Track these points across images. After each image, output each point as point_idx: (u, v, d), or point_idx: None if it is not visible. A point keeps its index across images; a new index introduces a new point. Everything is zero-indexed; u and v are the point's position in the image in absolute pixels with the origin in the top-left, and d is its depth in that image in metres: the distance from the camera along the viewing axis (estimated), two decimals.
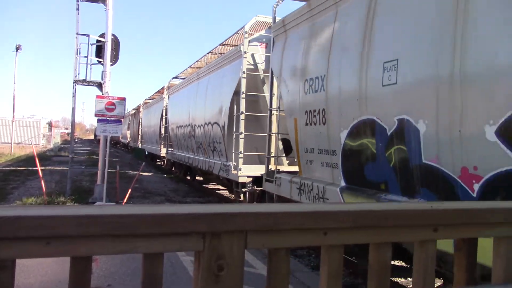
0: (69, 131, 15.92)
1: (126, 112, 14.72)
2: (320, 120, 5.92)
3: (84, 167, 20.80)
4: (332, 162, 5.80)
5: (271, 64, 7.97)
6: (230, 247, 1.24)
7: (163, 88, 20.46)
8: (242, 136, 9.31)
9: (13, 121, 34.31)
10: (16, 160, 25.49)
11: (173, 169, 19.30)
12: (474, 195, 3.64)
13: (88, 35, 11.71)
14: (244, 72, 9.28)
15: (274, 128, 8.04)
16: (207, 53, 13.33)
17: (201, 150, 12.94)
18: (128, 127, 38.10)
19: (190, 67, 15.92)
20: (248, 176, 9.25)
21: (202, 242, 1.22)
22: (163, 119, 19.21)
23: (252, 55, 9.42)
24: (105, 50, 11.53)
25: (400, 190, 4.51)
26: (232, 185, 10.42)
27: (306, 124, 6.31)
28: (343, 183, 5.54)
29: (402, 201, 4.38)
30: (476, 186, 3.64)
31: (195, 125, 13.29)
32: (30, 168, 19.10)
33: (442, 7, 3.90)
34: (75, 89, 11.68)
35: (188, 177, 16.93)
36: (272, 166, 7.88)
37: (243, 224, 1.26)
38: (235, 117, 9.69)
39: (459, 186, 3.78)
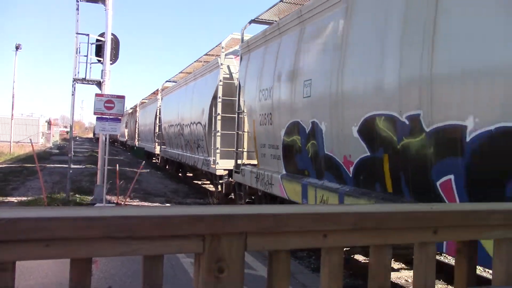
0: (68, 129, 15.87)
1: (125, 111, 15.00)
2: (268, 121, 7.72)
3: (83, 167, 20.79)
4: (276, 154, 7.54)
5: (239, 75, 9.71)
6: (230, 249, 1.24)
7: (157, 90, 22.13)
8: (218, 134, 11.03)
9: (12, 120, 34.24)
10: (15, 159, 25.45)
11: (167, 167, 20.50)
12: (351, 175, 5.42)
13: (87, 35, 11.70)
14: (220, 81, 11.19)
15: (245, 128, 9.70)
16: (194, 62, 15.68)
17: (188, 147, 14.62)
18: (126, 126, 38.27)
19: (181, 72, 18.21)
20: (224, 169, 10.83)
21: (202, 244, 1.22)
22: (157, 119, 20.68)
23: (228, 66, 11.37)
24: (104, 49, 11.53)
25: (315, 174, 6.30)
26: (213, 177, 11.91)
27: (261, 124, 8.06)
28: (283, 171, 7.27)
29: (401, 203, 4.41)
30: (351, 169, 5.40)
31: (183, 124, 14.94)
32: (29, 168, 19.09)
33: (334, 46, 5.73)
34: (75, 87, 11.65)
35: (180, 174, 18.35)
36: (241, 161, 9.39)
37: (243, 226, 1.26)
38: (213, 117, 11.39)
39: (343, 169, 5.58)
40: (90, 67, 11.76)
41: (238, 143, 9.51)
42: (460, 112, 3.75)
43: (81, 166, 20.86)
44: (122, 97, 10.57)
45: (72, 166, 12.50)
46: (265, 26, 8.62)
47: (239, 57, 9.92)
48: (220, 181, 11.23)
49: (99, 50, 11.83)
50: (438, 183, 4.06)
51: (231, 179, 10.21)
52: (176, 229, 1.17)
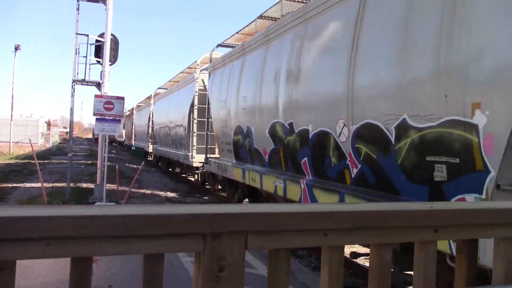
0: (68, 130, 15.98)
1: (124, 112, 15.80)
2: (224, 125, 10.19)
3: (83, 166, 20.79)
4: (230, 149, 10.02)
5: (208, 89, 12.19)
6: (231, 248, 1.24)
7: (150, 95, 25.68)
8: (195, 134, 14.00)
9: (11, 120, 34.28)
10: (15, 159, 25.46)
11: (159, 164, 23.29)
12: (266, 160, 7.89)
13: (87, 35, 11.68)
14: (196, 92, 13.96)
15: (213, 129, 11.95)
16: (179, 73, 18.89)
17: (174, 145, 17.52)
18: (124, 127, 38.81)
19: (169, 81, 21.35)
20: (199, 162, 13.48)
21: (202, 243, 1.22)
22: (150, 121, 23.75)
23: (202, 80, 13.98)
24: (104, 50, 11.51)
25: (250, 162, 8.86)
26: (192, 169, 15.25)
27: (221, 127, 10.60)
28: (234, 161, 9.88)
29: (402, 202, 4.42)
30: (266, 157, 7.89)
31: (170, 126, 18.07)
32: (29, 168, 19.08)
33: (257, 75, 8.19)
34: (74, 88, 11.64)
35: (170, 169, 21.26)
36: (210, 154, 12.20)
37: (244, 225, 1.26)
38: (191, 121, 14.24)
39: (263, 157, 8.07)
40: (90, 68, 11.77)
41: (208, 141, 12.28)
42: (306, 121, 6.29)
43: (80, 166, 20.86)
44: (122, 98, 10.57)
45: (72, 166, 12.50)
46: (229, 49, 11.09)
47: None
48: (196, 171, 14.81)
49: (99, 51, 11.82)
50: (301, 162, 6.58)
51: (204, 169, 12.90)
52: (176, 227, 1.17)
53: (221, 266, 1.23)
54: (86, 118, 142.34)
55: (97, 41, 11.79)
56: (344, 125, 5.39)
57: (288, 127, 6.81)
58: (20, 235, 1.03)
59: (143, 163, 15.59)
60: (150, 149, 23.54)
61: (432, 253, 1.55)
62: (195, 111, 13.82)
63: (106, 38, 11.49)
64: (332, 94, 5.65)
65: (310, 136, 6.14)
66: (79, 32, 11.59)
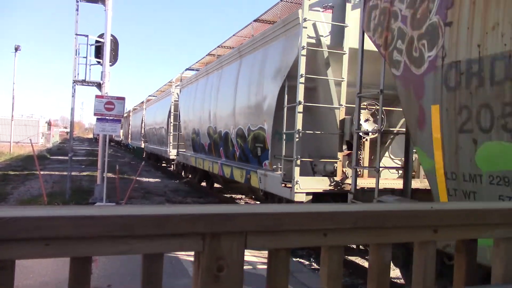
0: (68, 130, 16.07)
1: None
2: (187, 127, 14.51)
3: (83, 166, 20.80)
4: (190, 144, 14.29)
5: (179, 101, 16.20)
6: (230, 248, 1.24)
7: (143, 102, 29.30)
8: (171, 134, 18.05)
9: (12, 120, 34.31)
10: (15, 159, 25.45)
11: (149, 159, 27.23)
12: (207, 150, 12.44)
13: (87, 36, 11.67)
14: (172, 102, 18.00)
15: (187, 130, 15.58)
16: (164, 85, 22.55)
17: (159, 143, 21.41)
18: (122, 127, 39.36)
19: (157, 90, 25.71)
20: (174, 155, 17.06)
21: (201, 242, 1.22)
22: (143, 123, 27.90)
23: (177, 93, 17.48)
24: (104, 50, 11.51)
25: (200, 152, 13.17)
26: (170, 161, 19.53)
27: (184, 128, 14.96)
28: (192, 152, 14.15)
29: (401, 202, 4.43)
30: (206, 149, 12.50)
31: (156, 127, 22.25)
32: (29, 168, 19.09)
33: (203, 95, 12.62)
34: (75, 89, 11.65)
35: (158, 164, 25.03)
36: (180, 150, 16.00)
37: (243, 225, 1.26)
38: (170, 124, 18.30)
39: (205, 149, 12.57)
40: (90, 69, 11.76)
41: (179, 139, 16.02)
42: (220, 126, 10.66)
43: (81, 166, 20.87)
44: (122, 99, 10.57)
45: (72, 166, 12.50)
46: (195, 71, 15.07)
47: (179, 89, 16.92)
48: (173, 162, 19.05)
49: (99, 52, 11.81)
50: (219, 150, 10.98)
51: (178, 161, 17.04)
52: (176, 227, 1.17)
53: (220, 266, 1.24)
54: (86, 118, 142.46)
55: (97, 41, 11.79)
56: (233, 128, 9.82)
57: (214, 129, 11.34)
58: (20, 235, 1.03)
59: (143, 163, 15.64)
60: (143, 146, 28.16)
61: (432, 254, 1.55)
62: (172, 117, 17.84)
63: (106, 38, 11.49)
64: (229, 110, 10.03)
65: (222, 135, 10.63)
66: (78, 33, 11.60)
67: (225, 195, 13.71)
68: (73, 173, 13.17)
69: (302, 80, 6.54)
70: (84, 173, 17.59)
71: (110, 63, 11.69)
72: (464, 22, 3.72)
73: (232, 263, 1.25)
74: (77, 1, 11.51)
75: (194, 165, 13.62)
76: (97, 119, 10.32)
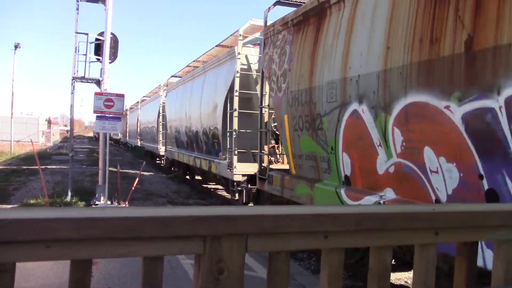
0: (68, 128, 16.11)
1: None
2: (171, 126, 17.29)
3: (84, 166, 20.80)
4: (175, 141, 17.03)
5: (165, 105, 18.79)
6: (231, 250, 1.24)
7: (138, 102, 31.73)
8: (160, 133, 20.53)
9: (11, 118, 34.21)
10: (16, 159, 25.45)
11: (145, 155, 29.40)
12: (185, 146, 15.43)
13: (87, 34, 11.67)
14: (161, 104, 20.63)
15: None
16: (153, 89, 25.89)
17: (152, 140, 23.95)
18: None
19: (150, 92, 28.08)
20: (163, 151, 19.91)
21: (202, 245, 1.21)
22: (138, 122, 30.44)
23: (164, 96, 19.82)
24: (104, 48, 11.51)
25: (182, 148, 16.16)
26: (160, 157, 22.35)
27: (169, 127, 17.58)
28: (176, 147, 17.15)
29: (402, 204, 4.42)
30: (185, 144, 15.44)
31: (149, 126, 24.88)
32: (31, 168, 19.09)
33: (182, 99, 15.47)
34: (74, 86, 11.64)
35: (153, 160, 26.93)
36: (168, 146, 18.88)
37: (244, 227, 1.25)
38: (159, 123, 20.74)
39: (184, 145, 15.65)
40: (89, 66, 11.76)
41: (166, 137, 18.77)
42: (193, 125, 13.64)
43: (82, 166, 20.88)
44: (122, 96, 10.52)
45: (73, 166, 12.49)
46: (179, 78, 17.97)
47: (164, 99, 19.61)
48: (162, 158, 21.92)
49: (98, 49, 11.81)
50: (193, 145, 14.18)
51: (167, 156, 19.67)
52: (177, 230, 1.17)
53: (221, 269, 1.23)
54: (86, 116, 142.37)
55: (96, 39, 11.79)
56: (200, 127, 12.64)
57: (189, 128, 14.05)
58: (21, 238, 1.03)
59: (144, 163, 15.61)
60: (139, 144, 30.44)
61: (433, 256, 1.54)
62: (161, 117, 20.07)
63: (106, 37, 11.48)
64: (197, 113, 12.94)
65: (194, 133, 13.44)
66: (79, 31, 11.60)
67: (204, 185, 15.89)
68: (74, 173, 13.15)
69: (237, 94, 9.62)
70: (86, 174, 17.58)
71: (110, 61, 11.68)
72: (294, 70, 6.61)
73: (233, 265, 1.25)
74: (78, 1, 11.51)
75: (177, 159, 16.51)
76: (97, 116, 10.26)
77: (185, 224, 1.17)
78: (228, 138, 9.98)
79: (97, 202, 10.49)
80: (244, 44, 10.03)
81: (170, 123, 17.27)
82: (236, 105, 9.53)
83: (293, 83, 6.54)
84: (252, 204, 9.48)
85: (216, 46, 13.08)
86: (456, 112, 3.68)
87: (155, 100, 22.89)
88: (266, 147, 8.26)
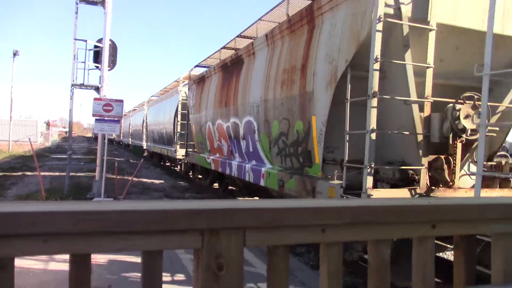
0: (67, 129, 16.15)
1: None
2: (151, 130, 24.81)
3: (82, 163, 20.78)
4: (158, 138, 22.87)
5: (147, 113, 25.62)
6: (229, 245, 1.24)
7: (129, 111, 37.96)
8: (144, 133, 26.07)
9: (10, 120, 34.46)
10: (14, 157, 25.44)
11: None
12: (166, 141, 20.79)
13: (85, 41, 11.64)
14: (144, 115, 26.52)
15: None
16: (139, 104, 31.38)
17: (138, 139, 29.49)
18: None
19: (145, 100, 30.62)
20: (145, 146, 26.55)
21: (200, 239, 1.21)
22: (130, 125, 35.35)
23: (146, 109, 26.42)
24: (102, 55, 11.51)
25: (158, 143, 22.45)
26: (144, 150, 27.88)
27: (148, 129, 26.34)
28: (151, 142, 24.67)
29: (400, 198, 4.42)
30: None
31: (136, 129, 30.70)
32: (28, 165, 19.06)
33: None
34: (73, 92, 11.67)
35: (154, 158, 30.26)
36: (148, 142, 25.03)
37: (242, 221, 1.25)
38: (145, 125, 25.69)
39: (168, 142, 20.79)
40: (88, 73, 11.81)
41: (147, 136, 24.39)
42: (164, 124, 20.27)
43: (80, 163, 20.87)
44: (121, 101, 10.67)
45: (70, 163, 12.48)
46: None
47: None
48: (145, 151, 27.07)
49: (97, 56, 11.82)
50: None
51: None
52: (175, 223, 1.17)
53: (220, 264, 1.23)
54: (85, 119, 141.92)
55: (95, 46, 11.78)
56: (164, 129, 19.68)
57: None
58: (18, 231, 1.03)
59: (142, 160, 15.66)
60: (130, 142, 35.51)
61: (430, 249, 1.55)
62: (179, 115, 20.33)
63: (104, 43, 11.47)
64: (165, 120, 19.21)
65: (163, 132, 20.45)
66: (78, 37, 11.60)
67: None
68: (71, 170, 13.14)
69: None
70: (83, 170, 17.55)
71: (109, 68, 11.70)
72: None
73: (231, 260, 1.24)
74: (77, 3, 11.47)
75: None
76: (96, 119, 10.35)
77: (182, 218, 1.17)
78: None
79: (95, 198, 10.48)
80: (184, 85, 16.34)
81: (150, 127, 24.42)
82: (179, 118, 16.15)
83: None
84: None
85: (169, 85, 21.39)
86: None
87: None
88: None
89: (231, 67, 9.59)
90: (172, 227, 1.17)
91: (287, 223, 1.31)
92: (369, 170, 4.79)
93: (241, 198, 11.03)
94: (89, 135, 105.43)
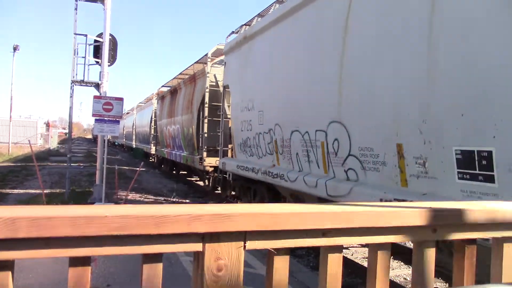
0: (67, 130, 16.13)
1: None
2: (138, 130, 31.02)
3: (82, 166, 20.77)
4: (145, 138, 28.14)
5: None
6: (229, 248, 1.24)
7: (128, 112, 37.94)
8: (152, 135, 23.98)
9: (10, 121, 34.22)
10: (14, 160, 25.41)
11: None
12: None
13: (85, 35, 11.61)
14: (153, 110, 23.79)
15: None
16: (148, 96, 29.40)
17: (144, 142, 27.73)
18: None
19: (146, 98, 31.34)
20: (154, 151, 23.91)
21: (201, 242, 1.22)
22: (134, 125, 34.71)
23: (156, 102, 22.97)
24: (102, 50, 11.48)
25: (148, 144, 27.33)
26: (152, 155, 26.72)
27: (137, 132, 32.05)
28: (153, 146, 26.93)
29: (400, 202, 4.44)
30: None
31: (141, 130, 29.54)
32: (28, 168, 19.05)
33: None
34: (73, 89, 11.62)
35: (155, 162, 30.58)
36: (158, 146, 23.32)
37: (243, 225, 1.25)
38: (151, 127, 24.13)
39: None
40: (88, 69, 11.72)
41: (157, 140, 22.32)
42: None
43: (79, 166, 20.86)
44: (121, 99, 10.50)
45: (71, 166, 12.48)
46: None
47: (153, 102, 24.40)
48: (153, 156, 25.76)
49: (97, 51, 11.78)
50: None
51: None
52: (175, 227, 1.17)
53: (220, 266, 1.23)
54: (85, 119, 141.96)
55: (95, 41, 11.75)
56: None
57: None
58: (19, 235, 1.03)
59: (142, 163, 15.65)
60: (134, 146, 33.94)
61: (431, 253, 1.55)
62: (153, 122, 22.98)
63: (104, 38, 11.46)
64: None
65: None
66: (77, 32, 11.56)
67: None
68: (72, 173, 13.14)
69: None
70: (83, 174, 17.56)
71: (109, 63, 11.66)
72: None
73: (232, 263, 1.25)
74: (76, 0, 11.48)
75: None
76: (96, 119, 10.27)
77: (183, 222, 1.17)
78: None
79: (96, 203, 10.47)
80: (156, 99, 19.22)
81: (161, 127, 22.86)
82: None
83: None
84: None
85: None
86: None
87: (148, 107, 27.30)
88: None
89: (174, 92, 17.56)
90: (172, 231, 1.17)
91: (287, 227, 1.31)
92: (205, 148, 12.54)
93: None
94: (89, 136, 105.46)
